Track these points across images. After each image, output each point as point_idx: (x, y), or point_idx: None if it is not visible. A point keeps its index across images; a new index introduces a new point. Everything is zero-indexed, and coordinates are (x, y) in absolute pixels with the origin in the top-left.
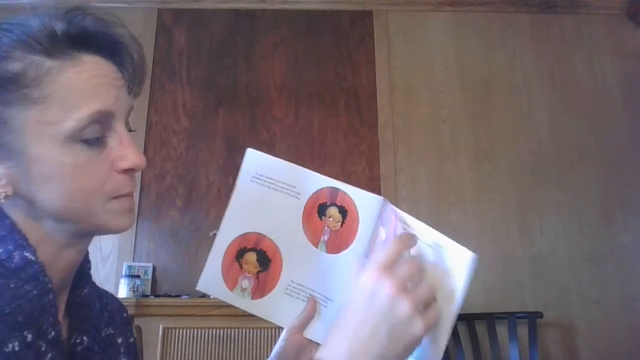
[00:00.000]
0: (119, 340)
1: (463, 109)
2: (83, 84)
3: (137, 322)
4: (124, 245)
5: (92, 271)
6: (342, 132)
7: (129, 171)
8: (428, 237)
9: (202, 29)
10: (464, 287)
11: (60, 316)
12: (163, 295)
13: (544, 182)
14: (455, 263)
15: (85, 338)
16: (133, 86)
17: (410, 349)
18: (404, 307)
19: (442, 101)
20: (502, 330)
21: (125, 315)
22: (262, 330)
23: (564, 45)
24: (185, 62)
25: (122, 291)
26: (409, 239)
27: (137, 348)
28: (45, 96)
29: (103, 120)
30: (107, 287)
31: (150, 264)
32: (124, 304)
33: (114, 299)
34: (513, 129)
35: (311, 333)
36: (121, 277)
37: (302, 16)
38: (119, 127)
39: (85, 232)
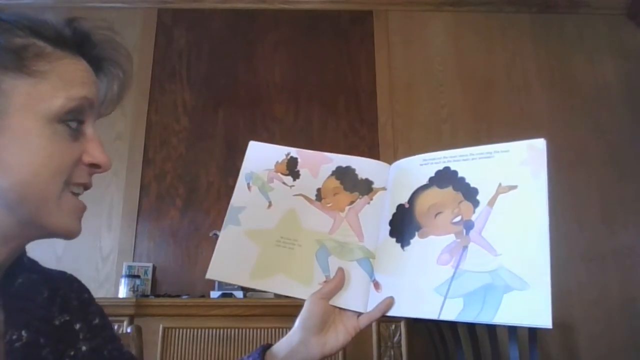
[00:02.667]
0: (78, 326)
1: (463, 109)
2: (76, 73)
3: (137, 322)
4: (124, 245)
5: (92, 271)
6: (342, 132)
7: (93, 166)
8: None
9: (202, 29)
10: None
11: None
12: (163, 295)
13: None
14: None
15: (23, 332)
16: (105, 103)
17: None
18: None
19: (442, 101)
20: (502, 330)
21: (85, 296)
22: (262, 330)
23: (564, 45)
24: (185, 62)
25: (122, 291)
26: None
27: (109, 326)
28: (41, 71)
29: (84, 110)
30: (107, 287)
31: (150, 264)
32: (124, 304)
33: (70, 281)
34: (513, 129)
35: (338, 301)
36: (121, 277)
37: (302, 16)
38: (92, 125)
39: (31, 225)
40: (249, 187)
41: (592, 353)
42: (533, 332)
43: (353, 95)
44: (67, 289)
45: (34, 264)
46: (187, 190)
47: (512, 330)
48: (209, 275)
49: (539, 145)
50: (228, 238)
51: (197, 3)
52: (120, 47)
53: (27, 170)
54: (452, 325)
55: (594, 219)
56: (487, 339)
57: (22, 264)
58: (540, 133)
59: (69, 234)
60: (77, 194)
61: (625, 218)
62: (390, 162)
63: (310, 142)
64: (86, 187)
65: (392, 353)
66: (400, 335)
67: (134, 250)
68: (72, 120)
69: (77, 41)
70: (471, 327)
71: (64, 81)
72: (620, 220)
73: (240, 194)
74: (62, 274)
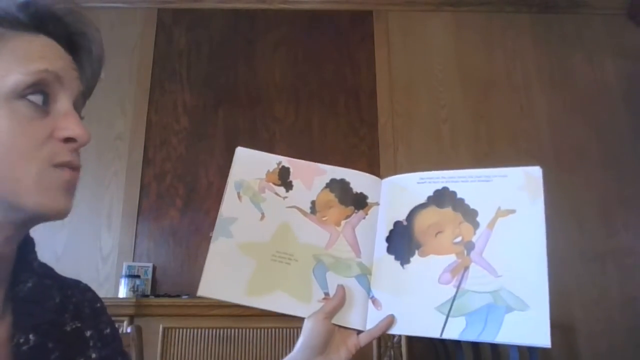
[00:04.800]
0: (88, 334)
1: (463, 109)
2: (33, 48)
3: (137, 322)
4: (124, 245)
5: (92, 271)
6: (342, 132)
7: (70, 141)
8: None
9: (202, 29)
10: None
11: None
12: (163, 295)
13: (544, 182)
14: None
15: (31, 336)
16: (85, 83)
17: None
18: None
19: (442, 101)
20: None
21: (98, 305)
22: (262, 330)
23: (564, 45)
24: (185, 62)
25: (122, 291)
26: None
27: (119, 339)
28: None
29: (49, 84)
30: (107, 287)
31: (150, 264)
32: (124, 304)
33: (84, 290)
34: (513, 129)
35: (339, 319)
36: (121, 277)
37: (302, 16)
38: (66, 100)
39: (13, 210)
40: (239, 197)
41: (592, 353)
42: None
43: (353, 95)
44: (80, 297)
45: (48, 269)
46: (187, 190)
47: None
48: (201, 292)
49: (535, 173)
50: (220, 251)
51: (197, 3)
52: (84, 17)
53: None
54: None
55: (594, 219)
56: None
57: (32, 268)
58: (540, 133)
59: (54, 213)
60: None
61: (625, 218)
62: (390, 163)
63: (310, 142)
64: (71, 165)
65: (392, 353)
66: (400, 335)
67: (134, 250)
68: (34, 94)
69: (35, 22)
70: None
71: (18, 58)
72: (620, 220)
73: (231, 204)
74: (77, 283)
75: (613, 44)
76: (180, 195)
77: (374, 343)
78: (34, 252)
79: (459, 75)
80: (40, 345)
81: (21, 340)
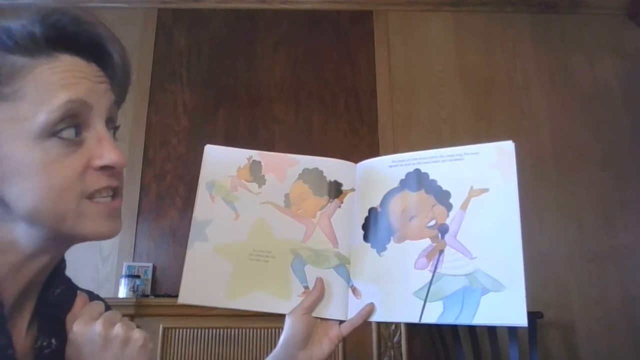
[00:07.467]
0: None
1: (463, 109)
2: (53, 77)
3: (137, 322)
4: (124, 245)
5: (92, 271)
6: (342, 132)
7: (106, 169)
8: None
9: (202, 29)
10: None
11: (27, 319)
12: (163, 295)
13: (544, 182)
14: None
15: (53, 341)
16: (117, 88)
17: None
18: (117, 333)
19: (442, 101)
20: (502, 330)
21: None
22: (262, 330)
23: (564, 45)
24: (185, 62)
25: (122, 291)
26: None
27: None
28: (15, 92)
29: (78, 112)
30: (107, 287)
31: (150, 264)
32: (124, 304)
33: (97, 299)
34: (513, 129)
35: (319, 312)
36: (121, 277)
37: (302, 16)
38: (98, 124)
39: (61, 237)
40: (212, 198)
41: (592, 353)
42: (533, 332)
43: (353, 95)
44: None
45: (68, 278)
46: (187, 190)
47: (512, 330)
48: (181, 300)
49: (508, 147)
50: (196, 256)
51: (197, 3)
52: (103, 26)
53: (32, 196)
54: (452, 325)
55: (594, 219)
56: (487, 339)
57: (62, 276)
58: (540, 133)
59: (101, 238)
60: (103, 197)
61: (625, 218)
62: None
63: (310, 142)
64: (110, 187)
65: (392, 353)
66: (400, 335)
67: (134, 250)
68: (66, 129)
69: (54, 37)
70: (471, 327)
71: (41, 93)
72: (620, 220)
73: (204, 206)
74: (90, 293)
75: (613, 44)
76: (180, 195)
77: (374, 343)
78: (64, 261)
79: (459, 75)
80: (61, 350)
81: (44, 344)
